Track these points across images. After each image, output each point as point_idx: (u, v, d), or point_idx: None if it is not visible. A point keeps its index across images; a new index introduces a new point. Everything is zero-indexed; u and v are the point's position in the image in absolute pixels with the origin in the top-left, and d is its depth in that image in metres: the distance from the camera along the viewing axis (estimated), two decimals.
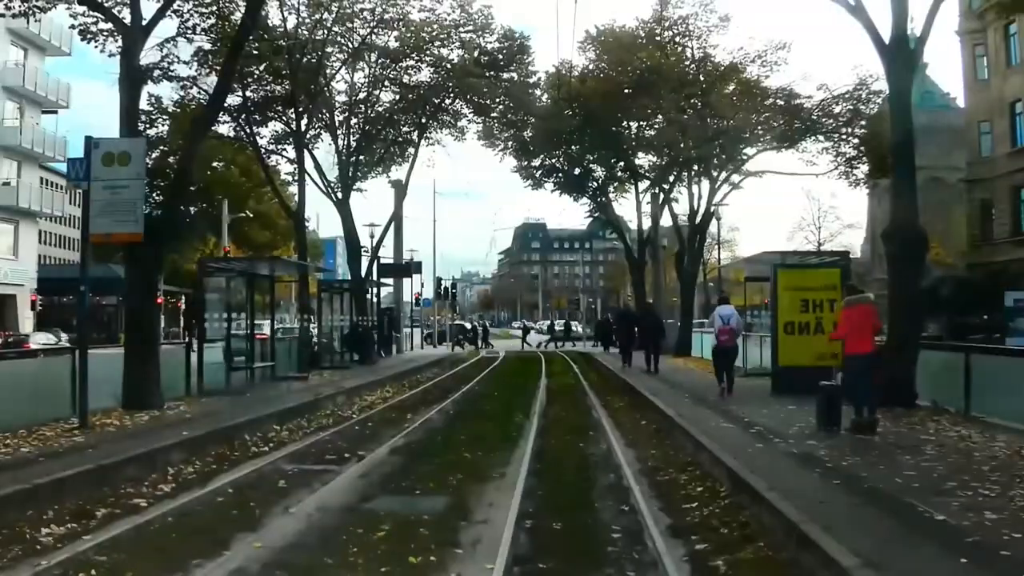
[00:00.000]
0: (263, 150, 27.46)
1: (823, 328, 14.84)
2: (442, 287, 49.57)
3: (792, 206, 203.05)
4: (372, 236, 34.18)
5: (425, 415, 14.17)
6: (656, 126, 30.64)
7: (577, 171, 34.84)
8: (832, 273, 15.31)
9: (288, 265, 26.79)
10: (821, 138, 28.57)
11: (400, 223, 37.55)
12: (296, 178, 27.47)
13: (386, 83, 29.17)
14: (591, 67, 31.89)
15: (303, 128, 25.89)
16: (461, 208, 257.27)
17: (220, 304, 16.95)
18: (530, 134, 32.70)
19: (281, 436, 11.64)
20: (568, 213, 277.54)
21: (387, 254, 37.53)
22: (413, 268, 40.14)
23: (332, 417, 13.95)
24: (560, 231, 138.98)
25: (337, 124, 28.74)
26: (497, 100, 30.59)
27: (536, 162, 34.89)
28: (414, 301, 49.07)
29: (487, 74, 29.06)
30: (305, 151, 26.67)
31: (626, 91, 29.86)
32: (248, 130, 25.88)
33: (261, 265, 20.01)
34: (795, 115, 27.93)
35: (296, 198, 27.61)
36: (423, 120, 30.27)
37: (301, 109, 25.38)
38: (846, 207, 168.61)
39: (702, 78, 29.50)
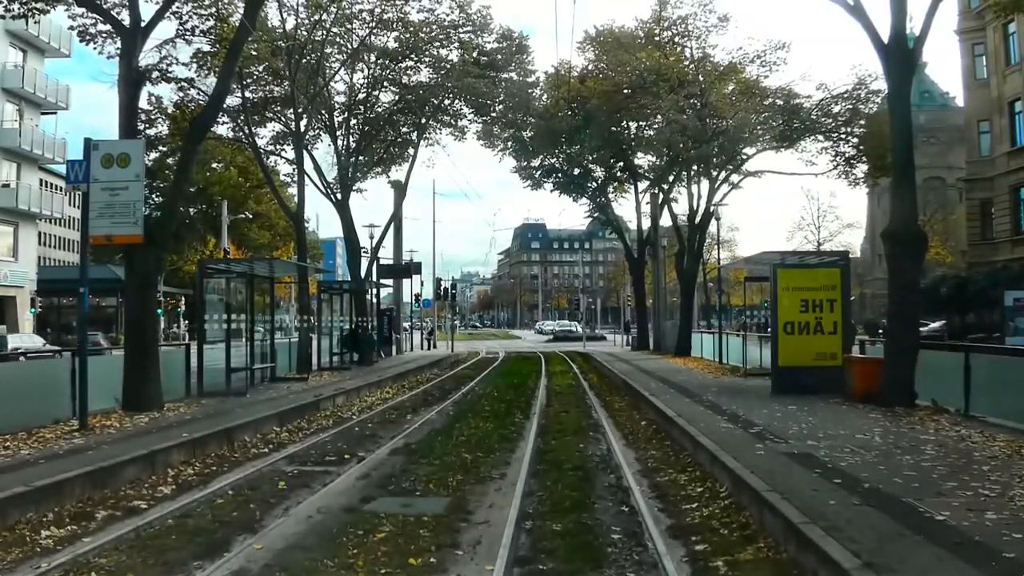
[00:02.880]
0: (262, 151, 27.46)
1: (823, 328, 14.89)
2: (442, 287, 49.55)
3: (792, 206, 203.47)
4: (372, 237, 34.16)
5: (425, 416, 14.18)
6: (655, 126, 30.61)
7: (576, 171, 34.89)
8: (832, 273, 15.33)
9: (287, 266, 26.80)
10: (820, 138, 28.57)
11: (400, 223, 37.52)
12: (295, 179, 27.47)
13: (385, 84, 29.16)
14: (590, 67, 31.97)
15: (302, 129, 25.88)
16: (461, 208, 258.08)
17: (220, 305, 16.95)
18: (529, 134, 32.72)
19: (281, 437, 11.65)
20: (568, 213, 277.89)
21: (387, 255, 37.54)
22: (413, 268, 40.10)
23: (332, 418, 13.96)
24: (560, 231, 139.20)
25: (336, 125, 28.73)
26: (496, 100, 30.61)
27: (535, 162, 34.93)
28: (414, 301, 49.07)
29: (486, 74, 29.07)
30: (304, 152, 26.67)
31: (625, 91, 29.86)
32: (247, 130, 25.86)
33: (260, 266, 19.99)
34: (794, 115, 27.93)
35: (295, 199, 27.60)
36: (422, 120, 30.28)
37: (300, 110, 25.37)
38: (846, 207, 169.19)
39: (701, 78, 29.49)
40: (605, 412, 14.65)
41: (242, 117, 25.38)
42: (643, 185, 34.51)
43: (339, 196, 28.22)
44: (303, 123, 25.95)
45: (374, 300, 32.71)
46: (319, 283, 31.95)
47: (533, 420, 13.38)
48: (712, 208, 31.19)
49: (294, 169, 27.35)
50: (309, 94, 25.67)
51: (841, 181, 29.42)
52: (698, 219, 30.62)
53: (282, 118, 27.15)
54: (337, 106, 29.13)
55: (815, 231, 58.45)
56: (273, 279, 21.22)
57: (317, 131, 28.86)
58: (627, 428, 12.60)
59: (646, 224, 35.90)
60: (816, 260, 17.71)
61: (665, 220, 34.52)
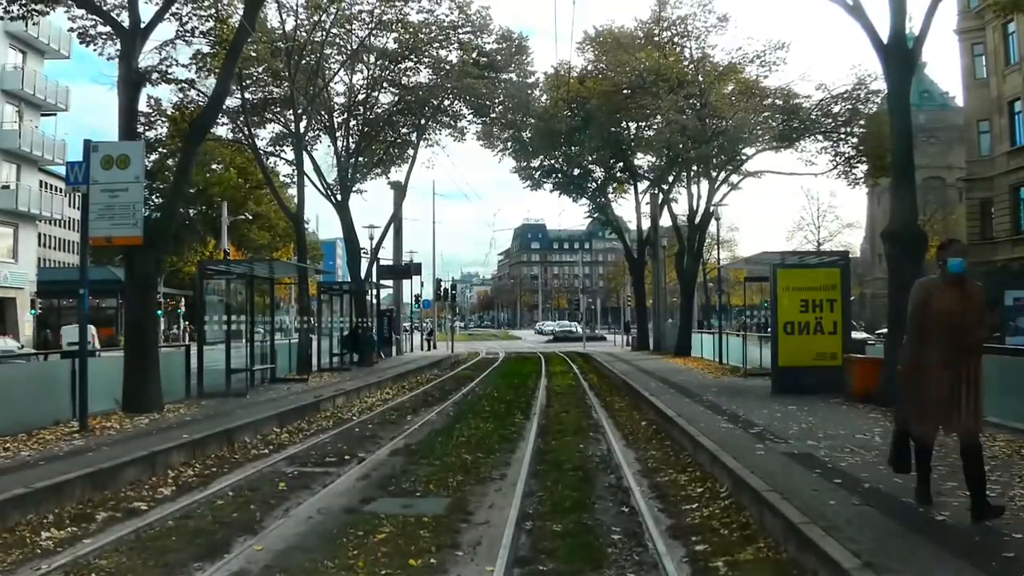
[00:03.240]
0: (262, 152, 27.47)
1: (823, 328, 14.91)
2: (442, 288, 49.57)
3: (792, 206, 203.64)
4: (371, 238, 34.18)
5: (425, 416, 14.18)
6: (655, 126, 30.63)
7: (576, 171, 34.90)
8: (832, 273, 15.34)
9: (287, 267, 26.78)
10: (820, 138, 28.59)
11: (399, 224, 37.55)
12: (295, 179, 27.49)
13: (385, 85, 29.19)
14: (590, 68, 32.01)
15: (302, 130, 25.89)
16: (461, 208, 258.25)
17: (220, 306, 16.95)
18: (529, 135, 32.73)
19: (281, 438, 11.65)
20: (568, 213, 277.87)
21: (387, 255, 37.56)
22: (413, 269, 40.12)
23: (332, 419, 13.96)
24: (560, 231, 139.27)
25: (336, 126, 28.77)
26: (496, 101, 30.63)
27: (535, 162, 34.94)
28: (414, 302, 49.08)
29: (486, 75, 29.09)
30: (304, 153, 26.69)
31: (625, 91, 29.89)
32: (247, 131, 25.88)
33: (260, 267, 19.97)
34: (794, 115, 27.95)
35: (295, 200, 27.62)
36: (422, 121, 30.30)
37: (300, 111, 25.38)
38: (846, 207, 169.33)
39: (701, 78, 29.52)
40: (605, 412, 14.65)
41: (242, 118, 25.39)
42: (643, 185, 34.55)
43: (339, 197, 28.23)
44: (303, 124, 25.97)
45: (374, 301, 32.73)
46: (319, 284, 31.99)
47: (533, 420, 13.38)
48: (712, 208, 31.22)
49: (294, 170, 27.40)
50: (309, 95, 25.68)
51: (841, 181, 29.48)
52: (698, 219, 30.64)
53: (282, 119, 27.17)
54: (337, 107, 29.17)
55: (815, 231, 58.58)
56: (273, 280, 21.22)
57: (317, 132, 28.90)
58: (627, 428, 12.59)
59: (646, 224, 35.96)
60: (816, 260, 17.72)
61: (665, 220, 34.62)
